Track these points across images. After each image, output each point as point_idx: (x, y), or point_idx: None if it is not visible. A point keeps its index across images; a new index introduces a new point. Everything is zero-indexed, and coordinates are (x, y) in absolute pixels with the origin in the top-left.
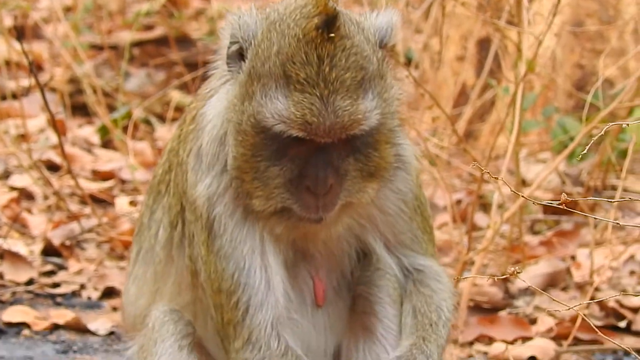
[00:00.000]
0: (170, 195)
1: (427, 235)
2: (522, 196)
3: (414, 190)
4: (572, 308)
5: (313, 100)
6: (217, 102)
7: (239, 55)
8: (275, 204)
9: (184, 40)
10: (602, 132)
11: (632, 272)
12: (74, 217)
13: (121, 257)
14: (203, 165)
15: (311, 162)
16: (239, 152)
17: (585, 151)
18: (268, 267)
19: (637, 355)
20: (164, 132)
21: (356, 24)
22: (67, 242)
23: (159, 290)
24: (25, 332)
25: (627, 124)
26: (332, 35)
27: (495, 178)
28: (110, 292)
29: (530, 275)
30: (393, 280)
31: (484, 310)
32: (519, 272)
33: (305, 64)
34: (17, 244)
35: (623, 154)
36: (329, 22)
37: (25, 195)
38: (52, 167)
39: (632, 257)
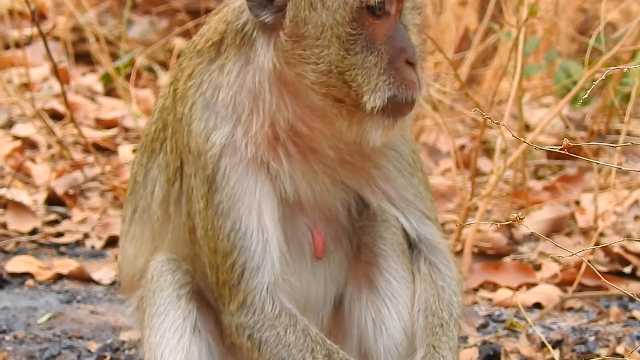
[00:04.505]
0: (167, 153)
1: (429, 194)
2: (525, 141)
3: (410, 145)
4: (575, 254)
5: None
6: (239, 68)
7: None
8: (382, 95)
9: None
10: (603, 77)
11: (636, 217)
12: (77, 165)
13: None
14: (219, 115)
15: (396, 38)
16: (331, 58)
17: (586, 95)
18: (265, 229)
19: None
20: (167, 80)
21: None
22: (71, 191)
23: (157, 248)
24: (29, 282)
25: (629, 68)
26: None
27: (497, 123)
28: (113, 241)
29: (534, 220)
30: (398, 234)
31: (488, 256)
32: (522, 218)
33: None
34: (20, 194)
35: (626, 97)
36: None
37: (29, 144)
38: (56, 116)
39: (636, 202)
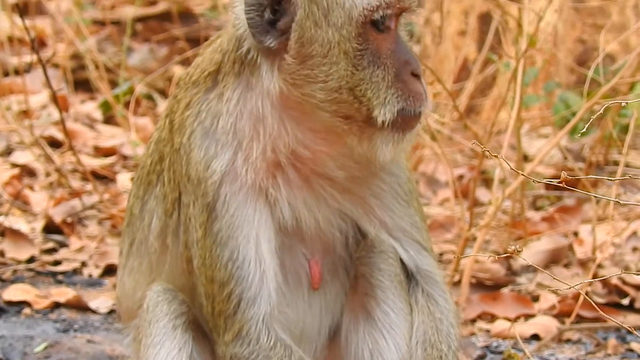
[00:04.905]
0: (165, 184)
1: (424, 224)
2: (522, 174)
3: (407, 174)
4: (572, 287)
5: None
6: (238, 95)
7: (270, 24)
8: (392, 109)
9: (186, 15)
10: (601, 111)
11: (634, 249)
12: (75, 193)
13: None
14: (220, 142)
15: (399, 50)
16: (339, 74)
17: (584, 129)
18: (262, 259)
19: (638, 335)
20: (163, 112)
21: None
22: (69, 219)
23: (155, 280)
24: (26, 310)
25: (627, 102)
26: None
27: (494, 156)
28: (111, 270)
29: (533, 251)
30: (396, 265)
31: (486, 287)
32: (519, 251)
33: None
34: (18, 222)
35: (625, 129)
36: None
37: (27, 172)
38: (54, 144)
39: (634, 234)
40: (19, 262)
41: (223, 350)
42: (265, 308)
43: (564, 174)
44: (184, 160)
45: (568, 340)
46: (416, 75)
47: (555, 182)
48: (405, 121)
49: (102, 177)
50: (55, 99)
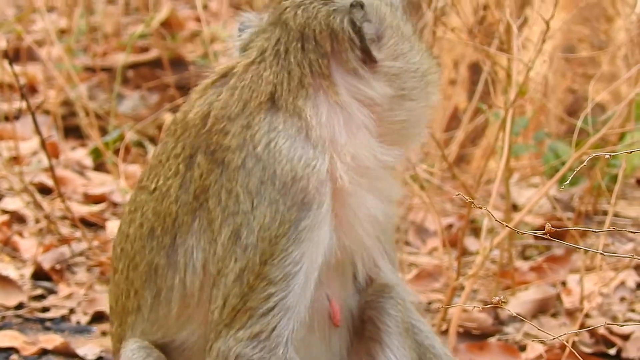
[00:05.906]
0: (210, 212)
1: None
2: (508, 226)
3: None
4: (556, 338)
5: None
6: (326, 111)
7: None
8: None
9: (178, 62)
10: (585, 163)
11: (622, 299)
12: (64, 240)
13: None
14: (317, 148)
15: None
16: (421, 59)
17: (568, 181)
18: (311, 272)
19: None
20: (180, 155)
21: None
22: (58, 266)
23: (189, 322)
24: (14, 357)
25: (611, 155)
26: None
27: (479, 207)
28: (99, 317)
29: (521, 301)
30: (404, 312)
31: (474, 336)
32: (504, 302)
33: None
34: (7, 268)
35: (614, 178)
36: None
37: (17, 218)
38: (45, 190)
39: (622, 284)
40: (7, 308)
41: (229, 345)
42: (294, 324)
43: (548, 225)
44: (259, 167)
45: None
46: None
47: (539, 233)
48: None
49: (92, 224)
50: (44, 145)
